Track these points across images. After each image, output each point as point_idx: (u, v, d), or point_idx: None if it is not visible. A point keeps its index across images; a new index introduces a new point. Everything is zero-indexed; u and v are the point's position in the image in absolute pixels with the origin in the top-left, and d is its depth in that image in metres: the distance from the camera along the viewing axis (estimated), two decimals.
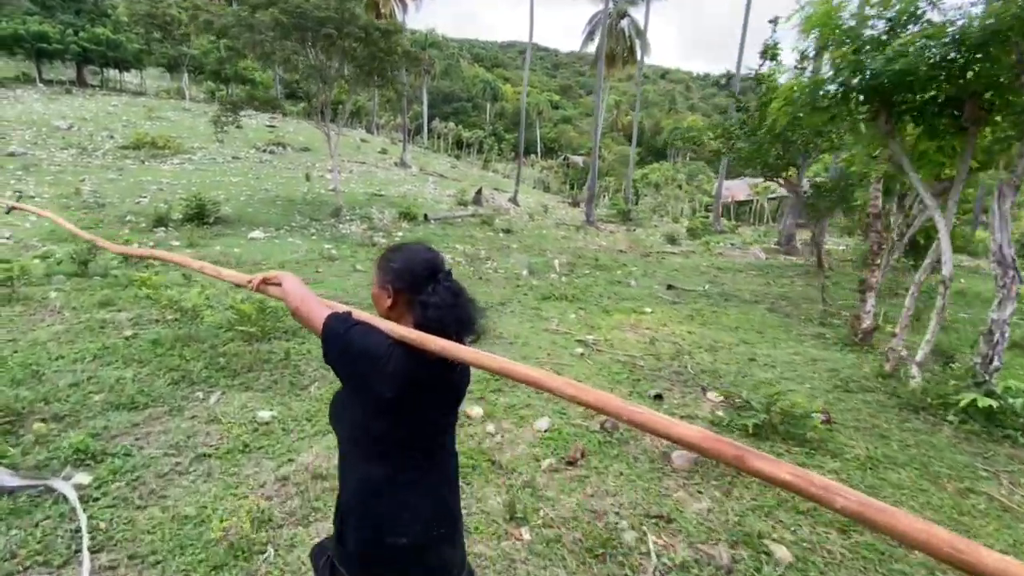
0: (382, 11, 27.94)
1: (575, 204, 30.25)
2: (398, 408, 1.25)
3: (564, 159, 50.25)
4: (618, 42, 28.97)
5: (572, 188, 40.11)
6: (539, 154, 60.86)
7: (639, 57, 29.78)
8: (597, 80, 21.95)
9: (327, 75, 14.98)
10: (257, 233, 13.23)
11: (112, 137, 24.75)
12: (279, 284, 1.50)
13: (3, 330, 5.40)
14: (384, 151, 34.01)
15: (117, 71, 40.63)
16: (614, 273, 13.12)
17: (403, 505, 1.29)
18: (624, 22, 28.89)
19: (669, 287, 12.13)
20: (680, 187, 31.54)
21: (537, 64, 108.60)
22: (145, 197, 16.29)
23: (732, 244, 20.38)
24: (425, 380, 1.25)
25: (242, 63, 45.79)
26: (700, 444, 0.85)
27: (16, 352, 4.84)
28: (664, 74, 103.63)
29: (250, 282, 1.61)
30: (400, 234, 15.41)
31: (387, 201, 20.39)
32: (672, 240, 19.63)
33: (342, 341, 1.25)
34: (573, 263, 13.77)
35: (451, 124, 46.28)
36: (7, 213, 9.50)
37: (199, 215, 13.65)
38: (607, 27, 28.73)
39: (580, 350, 6.61)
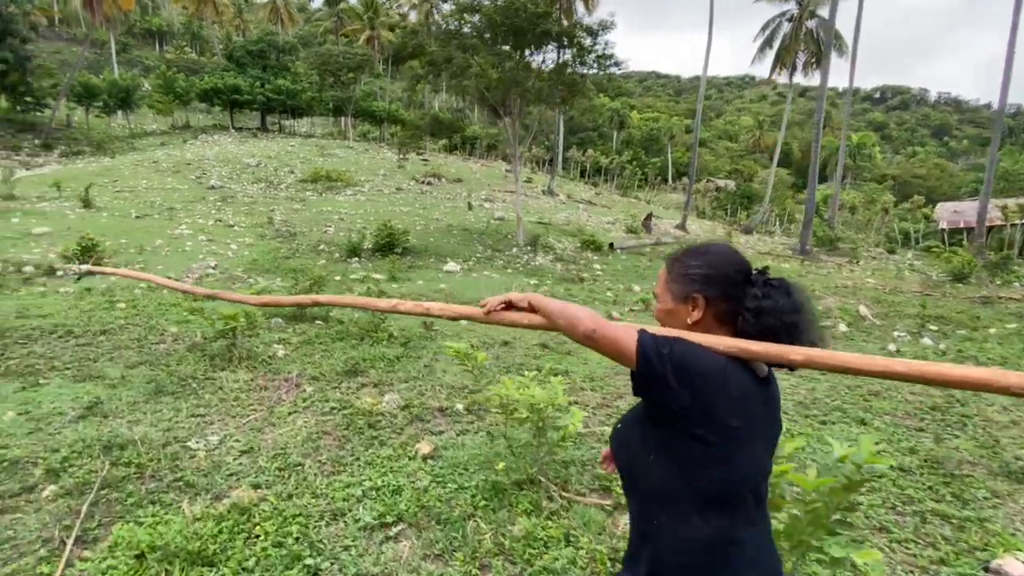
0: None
1: (747, 231, 26.11)
2: (740, 442, 0.98)
3: (708, 183, 45.70)
4: (805, 45, 24.78)
5: (728, 213, 35.63)
6: (669, 179, 56.67)
7: (830, 61, 25.27)
8: (820, 89, 17.76)
9: (526, 84, 13.17)
10: (452, 266, 11.49)
11: (292, 172, 25.77)
12: (528, 308, 1.17)
13: (232, 424, 3.47)
14: (529, 180, 32.60)
15: (292, 117, 44.22)
16: (974, 334, 8.87)
17: (751, 565, 1.01)
18: (812, 23, 24.69)
19: None
20: (886, 211, 25.85)
21: (660, 90, 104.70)
22: (330, 227, 15.68)
23: None
24: (762, 404, 1.02)
25: (393, 104, 48.03)
26: None
27: (268, 490, 2.76)
28: (804, 91, 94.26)
29: (485, 308, 1.23)
30: (598, 266, 12.93)
31: (558, 230, 18.26)
32: (960, 278, 13.23)
33: (672, 362, 0.94)
34: (885, 312, 9.89)
35: (589, 151, 44.15)
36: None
37: (389, 245, 12.29)
38: (793, 31, 24.80)
39: None
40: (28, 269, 9.03)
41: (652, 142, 57.14)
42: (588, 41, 12.84)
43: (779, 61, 26.13)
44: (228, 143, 33.01)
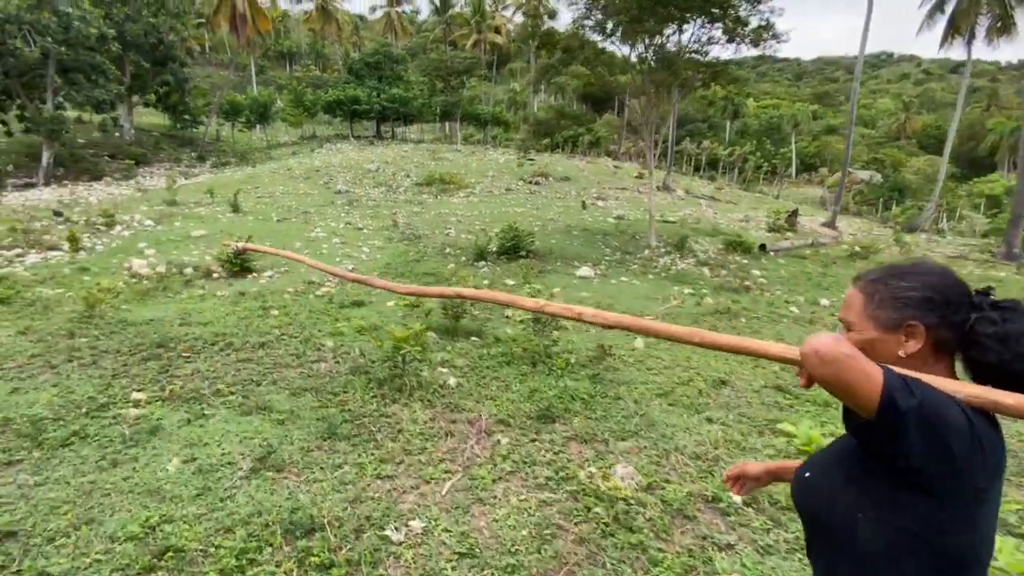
0: None
1: (912, 230, 22.20)
2: (983, 502, 0.83)
3: (848, 173, 40.34)
4: (989, 7, 20.38)
5: (878, 209, 30.92)
6: (794, 171, 51.02)
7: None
8: None
9: (676, 66, 11.66)
10: (585, 271, 10.38)
11: (408, 176, 26.24)
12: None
13: (430, 495, 2.60)
14: (640, 176, 30.62)
15: (403, 124, 45.89)
16: None
17: None
18: None
19: None
20: None
21: (776, 75, 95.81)
22: (450, 229, 15.30)
23: None
24: (1002, 453, 0.84)
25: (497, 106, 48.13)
26: None
27: None
28: (956, 67, 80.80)
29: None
30: (757, 272, 11.09)
31: (689, 229, 16.45)
32: None
33: (919, 413, 0.76)
34: None
35: (705, 143, 40.87)
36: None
37: (514, 248, 11.44)
38: None
39: None
40: (188, 271, 9.34)
41: (773, 132, 51.84)
42: (744, 10, 11.01)
43: (952, 29, 21.82)
44: (349, 151, 34.73)
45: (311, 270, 9.88)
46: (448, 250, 12.30)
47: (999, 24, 20.80)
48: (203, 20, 50.07)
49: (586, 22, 11.73)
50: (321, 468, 2.83)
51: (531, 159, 32.60)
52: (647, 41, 11.98)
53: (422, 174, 26.02)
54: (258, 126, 39.45)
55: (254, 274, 9.45)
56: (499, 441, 3.19)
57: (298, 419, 3.39)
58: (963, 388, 0.81)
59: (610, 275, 10.48)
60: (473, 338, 5.49)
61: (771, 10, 11.15)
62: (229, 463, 2.82)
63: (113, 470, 2.71)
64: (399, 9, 48.67)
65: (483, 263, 10.98)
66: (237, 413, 3.46)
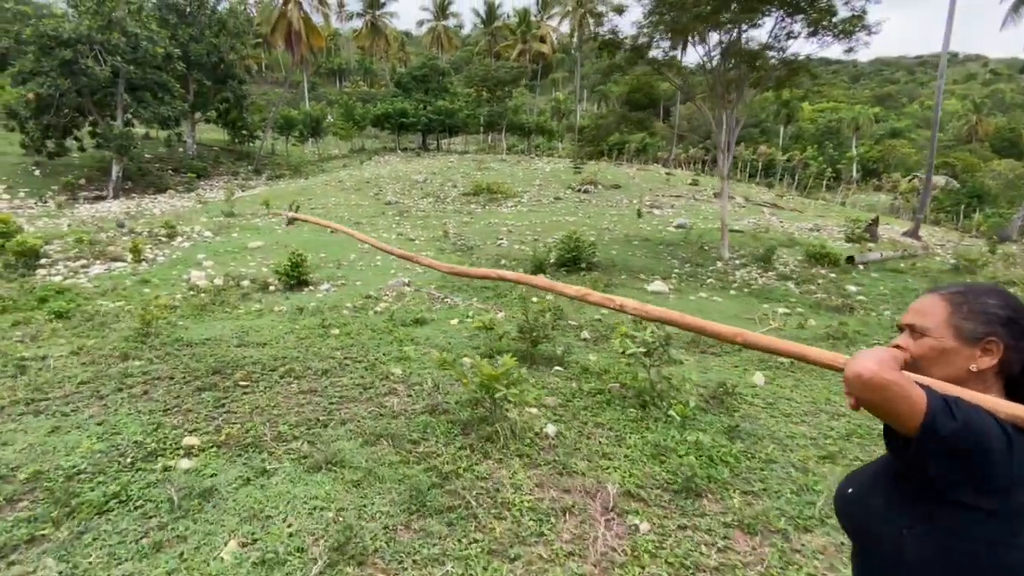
0: None
1: (1003, 239, 20.05)
2: None
3: (912, 178, 37.58)
4: None
5: (958, 217, 28.35)
6: (857, 177, 48.00)
7: None
8: None
9: (761, 60, 10.76)
10: (658, 285, 9.46)
11: (455, 187, 25.94)
12: None
13: None
14: (695, 182, 29.27)
15: (448, 136, 46.07)
16: None
17: None
18: None
19: None
20: None
21: (832, 77, 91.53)
22: (502, 239, 14.68)
23: None
24: None
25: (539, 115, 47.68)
26: None
27: None
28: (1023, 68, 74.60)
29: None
30: (852, 287, 9.88)
31: (758, 239, 15.22)
32: None
33: (967, 433, 0.78)
34: None
35: (761, 148, 38.95)
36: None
37: (574, 260, 10.66)
38: None
39: None
40: (245, 283, 9.05)
41: (832, 136, 49.06)
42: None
43: None
44: (396, 162, 34.95)
45: (367, 284, 9.42)
46: (503, 261, 11.65)
47: None
48: (260, 40, 52.20)
49: (653, 20, 10.90)
50: (414, 561, 2.13)
51: (578, 167, 31.80)
52: (722, 38, 11.06)
53: (469, 184, 25.68)
54: (310, 140, 40.42)
55: (310, 287, 9.06)
56: (636, 527, 2.40)
57: (376, 480, 2.72)
58: (1003, 406, 0.81)
59: (685, 290, 9.53)
60: (556, 368, 4.74)
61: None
62: (299, 549, 2.17)
63: (156, 556, 2.11)
64: (445, 23, 49.13)
65: (542, 276, 10.24)
66: (303, 469, 2.83)
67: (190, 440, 3.10)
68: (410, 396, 3.94)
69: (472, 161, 34.97)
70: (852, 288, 9.68)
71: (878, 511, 0.93)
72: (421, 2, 51.52)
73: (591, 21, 37.87)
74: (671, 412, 3.66)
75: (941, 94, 20.21)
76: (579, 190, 25.68)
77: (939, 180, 36.46)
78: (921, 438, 0.79)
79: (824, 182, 34.77)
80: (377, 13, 44.93)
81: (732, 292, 9.50)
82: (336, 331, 5.86)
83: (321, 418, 3.52)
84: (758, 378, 4.54)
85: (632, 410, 3.75)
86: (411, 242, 14.39)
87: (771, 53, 11.49)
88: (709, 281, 10.43)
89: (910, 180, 36.18)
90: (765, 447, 3.17)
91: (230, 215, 16.73)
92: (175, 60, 23.85)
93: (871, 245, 15.46)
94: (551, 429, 3.35)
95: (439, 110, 40.79)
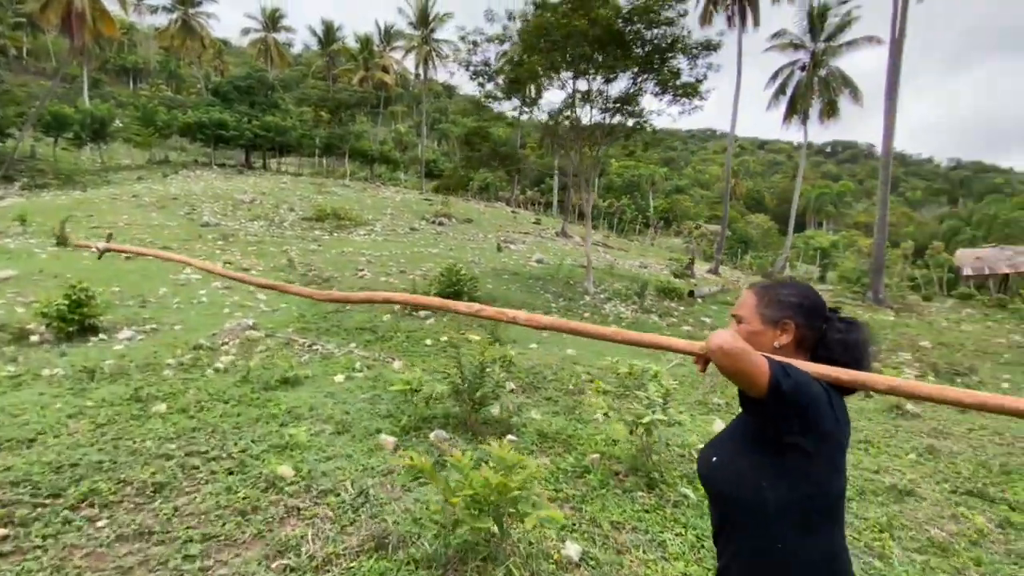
0: None
1: (768, 276, 24.83)
2: (843, 452, 1.06)
3: (697, 227, 45.18)
4: (820, 94, 24.25)
5: (734, 257, 34.55)
6: (656, 224, 56.32)
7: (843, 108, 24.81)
8: (886, 133, 16.10)
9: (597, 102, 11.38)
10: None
11: (293, 210, 22.85)
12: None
13: None
14: (538, 221, 30.73)
15: (278, 155, 41.35)
16: None
17: (850, 569, 1.08)
18: (824, 71, 24.26)
19: None
20: (906, 257, 25.01)
21: (618, 145, 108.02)
22: (363, 270, 12.91)
23: None
24: (846, 415, 1.06)
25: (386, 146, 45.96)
26: None
27: None
28: (762, 144, 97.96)
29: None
30: (706, 319, 10.67)
31: (611, 275, 16.10)
32: None
33: (794, 388, 0.95)
34: None
35: (591, 194, 43.02)
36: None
37: (456, 294, 9.68)
38: (806, 79, 24.35)
39: None
40: None
41: (634, 188, 56.98)
42: (683, 63, 11.06)
43: (792, 109, 25.60)
44: (213, 179, 29.73)
45: (193, 329, 7.03)
46: None
47: (827, 107, 24.78)
48: (23, 19, 40.82)
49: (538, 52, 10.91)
50: None
51: (428, 199, 30.95)
52: (584, 93, 11.64)
53: (310, 208, 22.83)
54: (90, 145, 32.25)
55: (101, 335, 6.39)
56: None
57: None
58: (817, 368, 1.01)
59: None
60: (509, 437, 3.67)
61: (709, 66, 11.33)
62: None
63: None
64: (276, 35, 44.58)
65: (425, 312, 8.98)
66: None
67: None
68: (331, 520, 2.49)
69: (310, 184, 31.56)
70: (706, 319, 10.49)
71: (743, 471, 1.06)
72: (245, 9, 46.13)
73: (436, 60, 38.08)
74: (684, 490, 2.91)
75: (730, 164, 24.45)
76: (433, 222, 24.80)
77: (716, 228, 44.59)
78: (769, 396, 0.94)
79: (636, 227, 39.70)
80: (191, 11, 38.73)
81: (613, 327, 9.49)
82: (161, 407, 3.89)
83: None
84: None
85: (640, 493, 2.89)
86: (245, 272, 11.73)
87: (628, 107, 12.39)
88: (586, 315, 10.36)
89: (697, 227, 43.37)
90: None
91: None
92: None
93: (693, 280, 17.56)
94: (572, 550, 2.28)
95: (268, 126, 36.38)
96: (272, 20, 43.52)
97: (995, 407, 0.88)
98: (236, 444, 3.30)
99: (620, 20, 10.26)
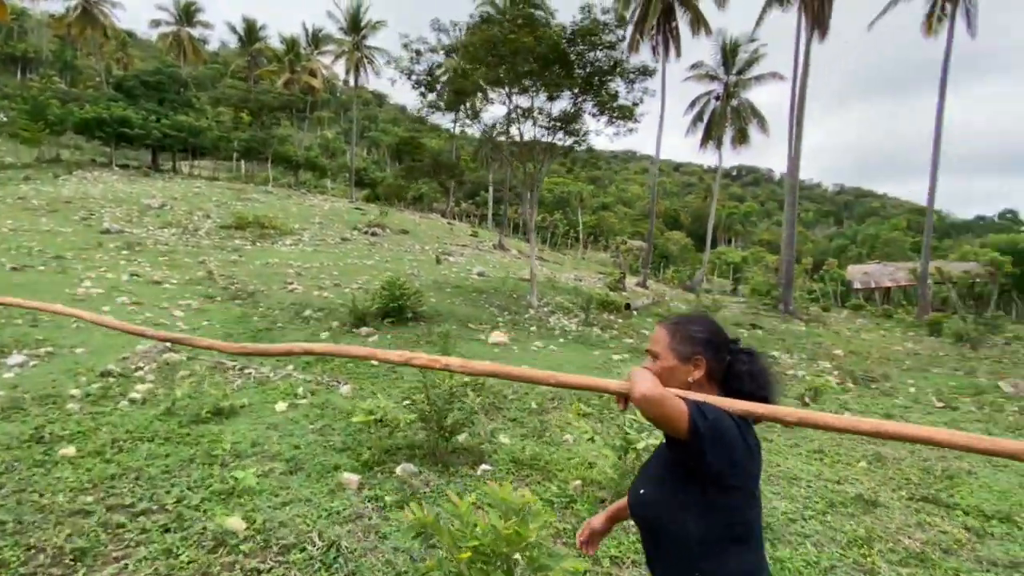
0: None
1: (690, 289, 26.38)
2: (757, 482, 1.13)
3: (623, 242, 47.19)
4: (732, 122, 26.32)
5: (656, 271, 36.29)
6: (585, 239, 58.15)
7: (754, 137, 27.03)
8: (792, 161, 17.64)
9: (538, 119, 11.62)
10: (498, 336, 8.82)
11: (209, 217, 21.01)
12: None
13: None
14: (475, 234, 30.56)
15: (191, 158, 38.14)
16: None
17: None
18: (735, 102, 26.40)
19: None
20: (807, 271, 27.63)
21: (557, 162, 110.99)
22: (293, 283, 12.01)
23: None
24: (758, 447, 1.12)
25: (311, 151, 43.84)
26: None
27: None
28: (677, 167, 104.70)
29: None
30: (646, 331, 10.96)
31: (552, 288, 16.26)
32: (975, 344, 12.94)
33: (712, 428, 1.01)
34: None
35: (521, 209, 43.53)
36: None
37: (399, 309, 9.25)
38: (720, 108, 26.31)
39: None
40: None
41: (564, 204, 58.63)
42: (621, 87, 11.48)
43: (708, 135, 27.54)
44: (115, 181, 26.71)
45: (98, 352, 6.10)
46: (308, 312, 9.32)
47: (739, 135, 26.90)
48: None
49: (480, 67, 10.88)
50: None
51: (360, 208, 29.78)
52: (525, 109, 11.78)
53: (228, 215, 21.07)
54: None
55: None
56: None
57: None
58: (731, 404, 1.05)
59: (523, 340, 9.08)
60: (484, 466, 3.43)
61: (644, 90, 11.84)
62: None
63: None
64: (190, 30, 41.28)
65: (366, 328, 8.46)
66: None
67: None
68: None
69: (228, 189, 29.26)
70: (645, 332, 10.82)
71: (669, 504, 1.12)
72: (154, 0, 42.26)
73: (368, 67, 37.05)
74: None
75: (656, 184, 25.76)
76: (367, 232, 23.82)
77: (639, 244, 46.82)
78: (690, 437, 0.99)
79: (568, 241, 40.72)
80: None
81: (561, 340, 9.48)
82: (70, 449, 3.26)
83: None
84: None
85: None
86: (157, 285, 10.54)
87: (569, 126, 12.67)
88: (533, 329, 10.29)
89: (624, 243, 45.30)
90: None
91: None
92: None
93: (626, 293, 18.18)
94: None
95: (179, 125, 33.46)
96: (186, 13, 40.34)
97: (910, 436, 0.90)
98: (169, 493, 2.81)
99: (565, 40, 10.48)
